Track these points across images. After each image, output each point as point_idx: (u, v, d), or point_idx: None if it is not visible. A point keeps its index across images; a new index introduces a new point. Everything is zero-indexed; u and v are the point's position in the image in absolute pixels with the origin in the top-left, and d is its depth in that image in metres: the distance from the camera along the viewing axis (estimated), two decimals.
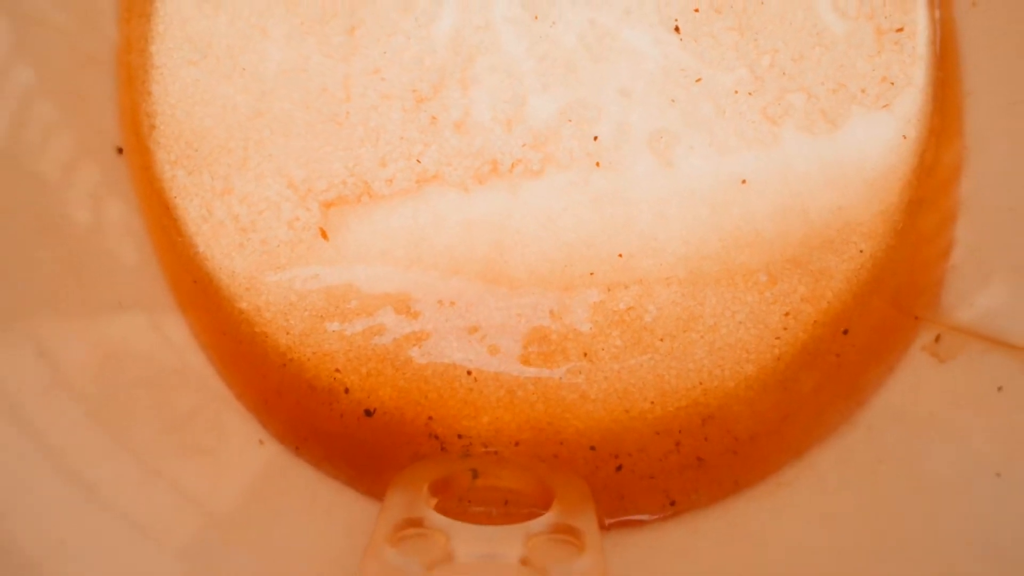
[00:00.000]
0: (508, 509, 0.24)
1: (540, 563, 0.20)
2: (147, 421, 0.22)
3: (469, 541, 0.20)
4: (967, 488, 0.20)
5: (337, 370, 0.27)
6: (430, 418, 0.27)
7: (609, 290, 0.27)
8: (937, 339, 0.24)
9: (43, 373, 0.20)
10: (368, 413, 0.27)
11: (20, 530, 0.17)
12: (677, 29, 0.28)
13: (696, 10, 0.28)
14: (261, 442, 0.25)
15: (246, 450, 0.24)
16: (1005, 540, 0.19)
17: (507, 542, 0.20)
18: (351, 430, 0.27)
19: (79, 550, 0.17)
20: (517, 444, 0.26)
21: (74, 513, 0.18)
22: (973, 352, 0.23)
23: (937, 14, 0.28)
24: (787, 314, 0.27)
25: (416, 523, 0.21)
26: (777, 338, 0.27)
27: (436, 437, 0.27)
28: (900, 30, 0.28)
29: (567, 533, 0.21)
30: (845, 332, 0.27)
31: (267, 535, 0.21)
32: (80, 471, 0.19)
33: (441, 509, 0.22)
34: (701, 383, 0.27)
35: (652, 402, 0.27)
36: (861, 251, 0.28)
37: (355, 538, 0.22)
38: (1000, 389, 0.21)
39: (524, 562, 0.20)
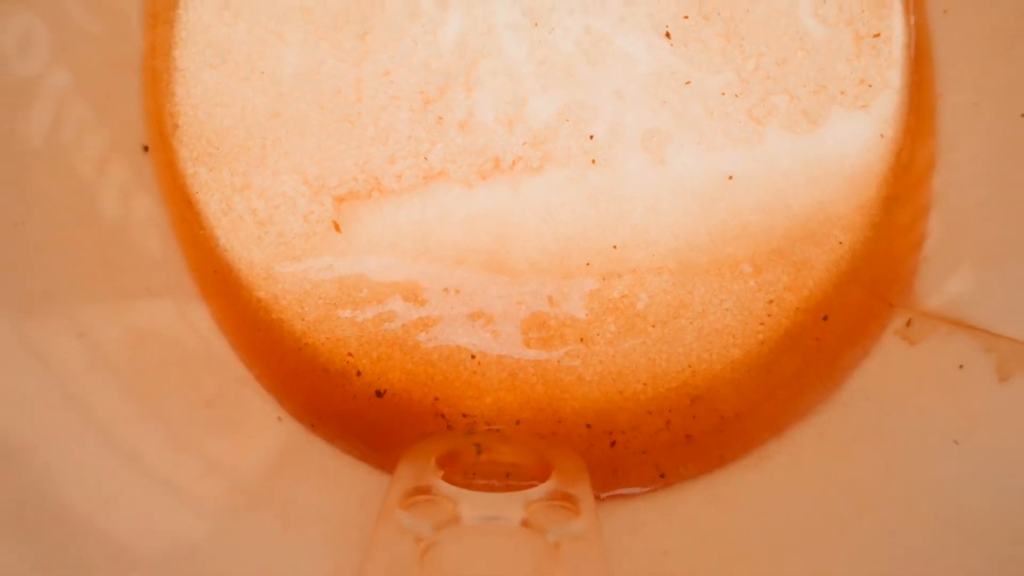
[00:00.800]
0: (509, 481, 0.26)
1: (539, 525, 0.22)
2: (177, 397, 0.24)
3: (474, 506, 0.22)
4: (930, 456, 0.22)
5: (349, 354, 0.29)
6: (436, 399, 0.29)
7: (604, 279, 0.29)
8: (908, 323, 0.26)
9: (84, 352, 0.22)
10: (379, 394, 0.29)
11: (71, 490, 0.19)
12: (668, 35, 0.30)
13: (686, 17, 0.30)
14: (279, 419, 0.27)
15: (266, 426, 0.26)
16: (962, 502, 0.21)
17: (509, 507, 0.22)
18: (363, 410, 0.29)
19: (121, 508, 0.19)
20: (518, 423, 0.28)
21: (116, 476, 0.20)
22: (939, 335, 0.25)
23: (912, 20, 0.30)
24: (771, 302, 0.29)
25: (425, 491, 0.23)
26: (761, 324, 0.29)
27: (442, 416, 0.29)
28: (877, 35, 0.30)
29: (564, 500, 0.23)
30: (825, 318, 0.29)
31: (286, 502, 0.23)
32: (120, 439, 0.21)
33: (447, 480, 0.24)
34: (690, 366, 0.29)
35: (644, 383, 0.29)
36: (840, 243, 0.29)
37: (368, 507, 0.24)
38: (961, 367, 0.23)
39: (525, 524, 0.22)
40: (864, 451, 0.24)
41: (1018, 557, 0.19)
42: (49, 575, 0.16)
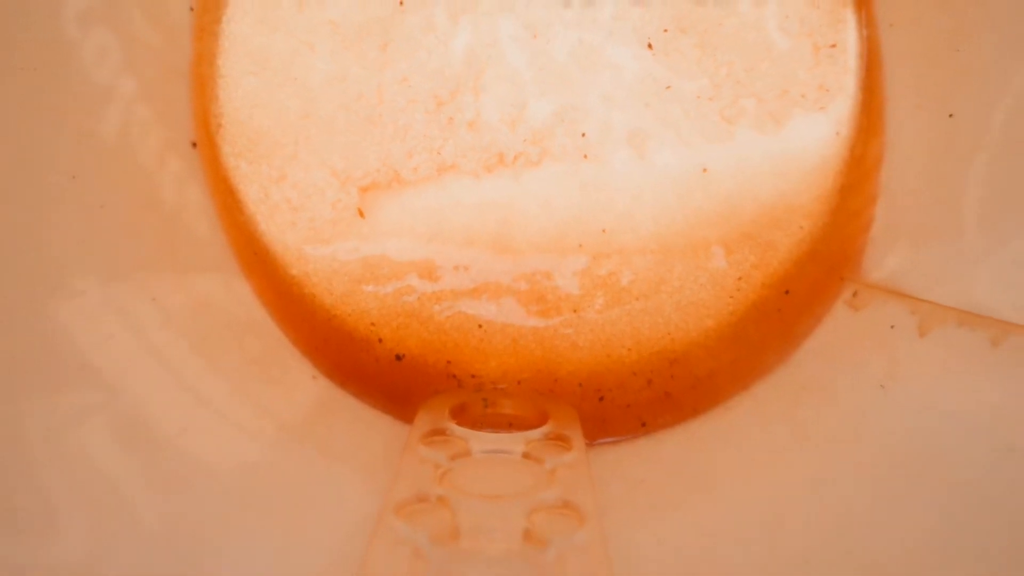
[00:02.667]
0: (512, 429, 0.30)
1: (537, 457, 0.26)
2: (230, 354, 0.29)
3: (482, 443, 0.27)
4: (863, 399, 0.26)
5: (372, 323, 0.34)
6: (449, 362, 0.33)
7: (594, 258, 0.34)
8: (855, 294, 0.31)
9: (157, 314, 0.27)
10: (398, 358, 0.33)
11: (156, 419, 0.24)
12: (650, 46, 0.34)
13: (666, 30, 0.34)
14: (314, 377, 0.32)
15: (303, 382, 0.31)
16: (888, 434, 0.25)
17: (512, 443, 0.27)
18: (385, 371, 0.33)
19: (196, 435, 0.24)
20: (519, 382, 0.33)
21: (189, 411, 0.25)
22: (878, 302, 0.29)
23: (864, 33, 0.35)
24: (740, 278, 0.34)
25: (440, 432, 0.28)
26: (731, 298, 0.34)
27: (454, 377, 0.33)
28: (834, 46, 0.35)
29: (558, 439, 0.28)
30: (787, 292, 0.34)
31: (325, 440, 0.28)
32: (190, 384, 0.26)
33: (460, 425, 0.29)
34: (669, 334, 0.33)
35: (629, 348, 0.33)
36: (801, 227, 0.34)
37: (391, 448, 0.28)
38: (892, 327, 0.27)
39: (525, 456, 0.26)
40: (812, 400, 0.28)
41: (930, 475, 0.23)
42: (146, 478, 0.21)
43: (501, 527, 0.22)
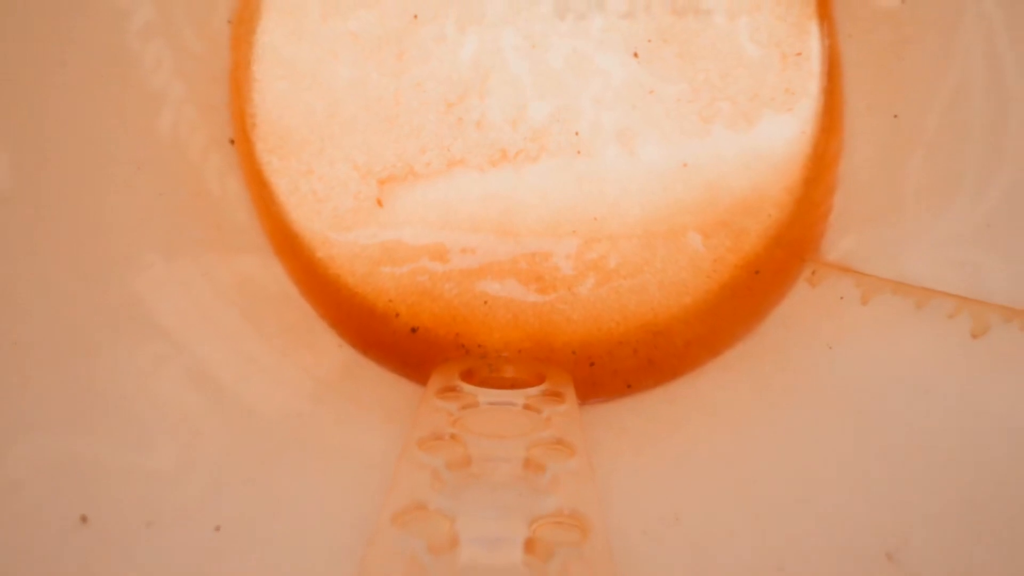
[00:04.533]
0: (513, 388, 0.35)
1: (535, 407, 0.31)
2: (270, 323, 0.33)
3: (488, 396, 0.32)
4: (815, 359, 0.31)
5: (390, 300, 0.39)
6: (457, 333, 0.38)
7: (586, 243, 0.39)
8: (813, 272, 0.36)
9: (209, 287, 0.32)
10: (413, 330, 0.38)
11: (214, 372, 0.28)
12: (636, 55, 0.39)
13: (649, 41, 0.39)
14: (340, 346, 0.37)
15: (331, 349, 0.36)
16: (835, 388, 0.30)
17: (513, 397, 0.32)
18: (401, 342, 0.38)
19: (249, 385, 0.29)
20: (520, 351, 0.38)
21: (240, 366, 0.30)
22: (831, 278, 0.34)
23: (826, 43, 0.40)
24: (716, 260, 0.39)
25: (452, 389, 0.33)
26: (708, 278, 0.39)
27: (462, 346, 0.38)
28: (799, 54, 0.40)
29: (554, 395, 0.33)
30: (756, 272, 0.38)
31: (354, 396, 0.33)
32: (239, 345, 0.31)
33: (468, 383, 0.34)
34: (652, 309, 0.38)
35: (617, 322, 0.38)
36: (770, 215, 0.39)
37: (409, 404, 0.33)
38: (841, 298, 0.32)
39: (525, 407, 0.31)
40: (772, 362, 0.33)
41: (868, 416, 0.28)
42: (212, 414, 0.26)
43: (505, 457, 0.27)
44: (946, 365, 0.25)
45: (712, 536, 0.24)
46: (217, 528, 0.21)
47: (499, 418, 0.30)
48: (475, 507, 0.23)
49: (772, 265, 0.38)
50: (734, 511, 0.24)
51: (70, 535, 0.19)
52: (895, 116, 0.35)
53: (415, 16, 0.39)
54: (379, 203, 0.39)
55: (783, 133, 0.39)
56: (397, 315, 0.38)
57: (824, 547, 0.21)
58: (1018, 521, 0.19)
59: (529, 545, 0.22)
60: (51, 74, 0.28)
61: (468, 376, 0.36)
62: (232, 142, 0.39)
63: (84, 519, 0.19)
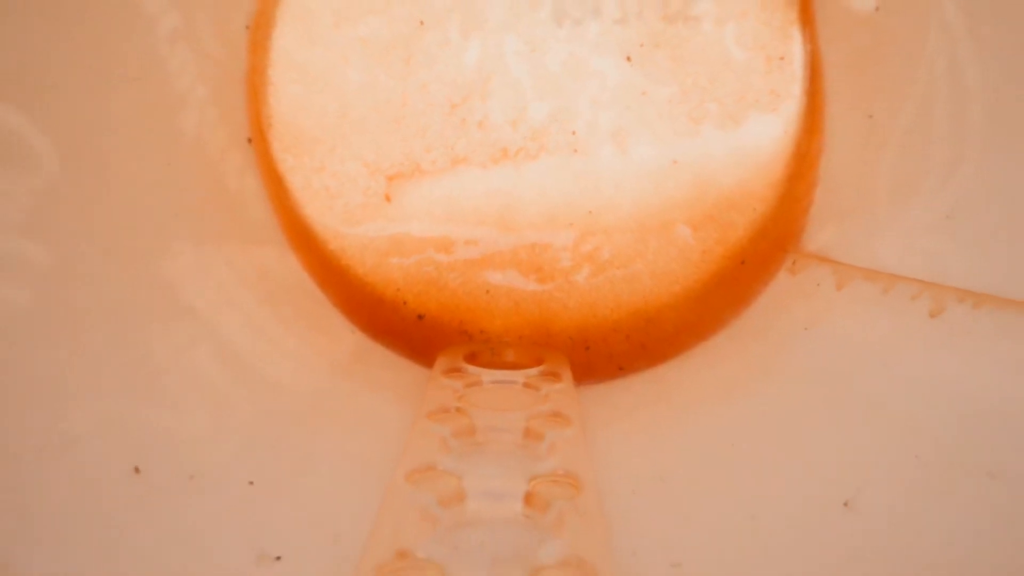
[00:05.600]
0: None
1: (535, 386, 0.34)
2: (288, 309, 0.36)
3: (491, 376, 0.35)
4: (792, 340, 0.34)
5: (398, 289, 0.41)
6: (462, 321, 0.41)
7: (582, 235, 0.42)
8: (794, 262, 0.39)
9: (232, 275, 0.35)
10: (420, 317, 0.41)
11: (239, 351, 0.31)
12: (629, 59, 0.42)
13: (642, 45, 0.42)
14: (352, 331, 0.39)
15: (343, 334, 0.39)
16: (810, 363, 0.33)
17: (514, 377, 0.35)
18: (409, 328, 0.41)
19: (271, 365, 0.32)
20: (520, 337, 0.41)
21: (263, 347, 0.33)
22: (810, 267, 0.37)
23: (808, 47, 0.43)
24: (704, 252, 0.42)
25: (457, 369, 0.36)
26: (696, 268, 0.41)
27: (466, 332, 0.41)
28: (783, 58, 0.43)
29: (551, 375, 0.36)
30: (742, 263, 0.41)
31: (367, 377, 0.35)
32: (261, 328, 0.33)
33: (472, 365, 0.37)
34: (644, 298, 0.41)
35: (611, 309, 0.41)
36: (755, 210, 0.42)
37: (417, 385, 0.36)
38: (818, 284, 0.35)
39: (525, 385, 0.34)
40: (756, 345, 0.36)
41: (840, 391, 0.31)
42: (240, 387, 0.29)
43: (507, 427, 0.30)
44: (907, 341, 0.28)
45: (693, 493, 0.26)
46: (251, 482, 0.24)
47: (501, 394, 0.33)
48: (480, 467, 0.26)
49: (756, 256, 0.41)
50: (713, 472, 0.27)
51: (126, 483, 0.22)
52: (870, 116, 0.38)
53: (421, 22, 0.42)
54: (387, 198, 0.42)
55: (768, 133, 0.42)
56: (405, 303, 0.41)
57: (791, 498, 0.24)
58: (961, 473, 0.22)
59: (528, 498, 0.25)
60: (91, 78, 0.31)
61: (472, 359, 0.38)
62: (250, 141, 0.42)
63: (137, 470, 0.22)
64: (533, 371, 0.36)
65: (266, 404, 0.29)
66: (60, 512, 0.20)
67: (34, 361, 0.23)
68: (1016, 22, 0.30)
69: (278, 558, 0.21)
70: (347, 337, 0.39)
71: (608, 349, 0.41)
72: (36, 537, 0.19)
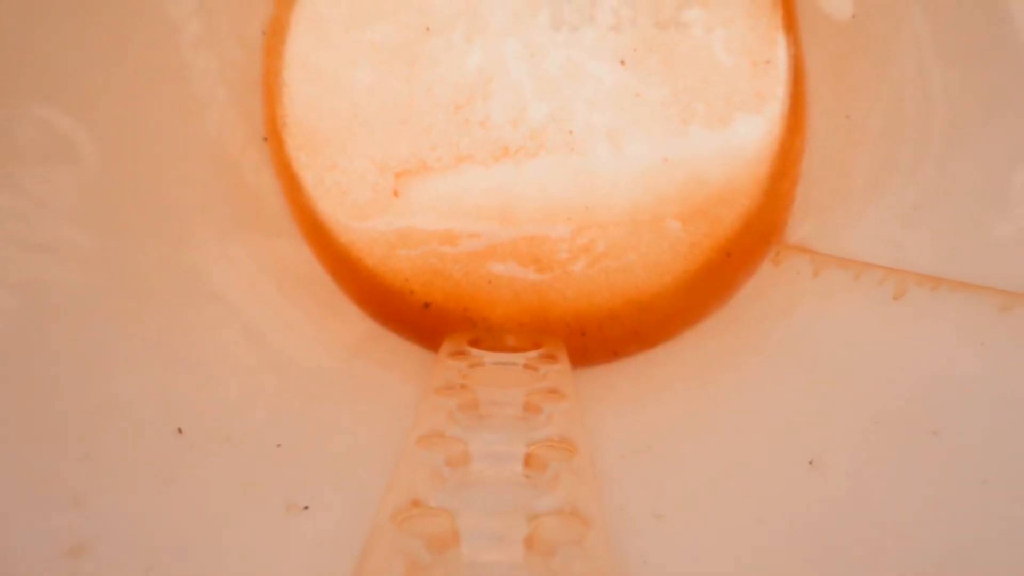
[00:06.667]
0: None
1: (533, 367, 0.37)
2: (303, 297, 0.39)
3: (493, 358, 0.38)
4: (772, 323, 0.37)
5: (406, 279, 0.45)
6: (465, 308, 0.44)
7: (579, 229, 0.45)
8: (777, 253, 0.42)
9: (252, 264, 0.38)
10: (426, 305, 0.44)
11: (259, 330, 0.34)
12: (623, 63, 0.45)
13: (635, 50, 0.45)
14: (362, 318, 0.43)
15: (354, 320, 0.42)
16: (787, 343, 0.36)
17: (514, 358, 0.38)
18: (416, 316, 0.44)
19: (291, 344, 0.35)
20: (520, 324, 0.44)
21: (283, 329, 0.36)
22: (791, 257, 0.40)
23: (791, 51, 0.46)
24: (693, 244, 0.45)
25: (462, 352, 0.39)
26: (685, 260, 0.45)
27: (470, 319, 0.44)
28: (767, 62, 0.46)
29: (549, 357, 0.39)
30: (728, 255, 0.44)
31: (379, 359, 0.39)
32: (280, 313, 0.37)
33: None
34: (637, 287, 0.44)
35: (606, 298, 0.44)
36: (741, 205, 0.45)
37: (425, 367, 0.39)
38: (797, 273, 0.38)
39: (525, 366, 0.37)
40: (740, 330, 0.39)
41: (814, 366, 0.34)
42: (265, 364, 0.32)
43: (507, 402, 0.33)
44: (872, 320, 0.31)
45: (676, 457, 0.29)
46: (278, 445, 0.27)
47: (502, 374, 0.36)
48: (482, 434, 0.29)
49: (742, 248, 0.44)
50: (694, 440, 0.30)
51: (171, 442, 0.25)
52: (847, 117, 0.41)
53: (427, 28, 0.45)
54: (395, 194, 0.45)
55: (753, 133, 0.45)
56: (412, 292, 0.44)
57: (762, 458, 0.27)
58: (911, 432, 0.25)
59: (528, 460, 0.28)
60: (126, 82, 0.34)
61: (474, 344, 0.41)
62: (265, 140, 0.45)
63: (180, 431, 0.25)
64: (532, 354, 0.39)
65: (289, 379, 0.32)
66: (115, 463, 0.23)
67: (89, 335, 0.26)
68: (976, 31, 0.33)
69: (306, 507, 0.24)
70: (358, 323, 0.42)
71: (603, 335, 0.44)
72: (98, 483, 0.22)
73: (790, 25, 0.46)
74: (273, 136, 0.46)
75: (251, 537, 0.23)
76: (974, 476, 0.23)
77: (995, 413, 0.23)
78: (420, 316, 0.44)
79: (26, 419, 0.22)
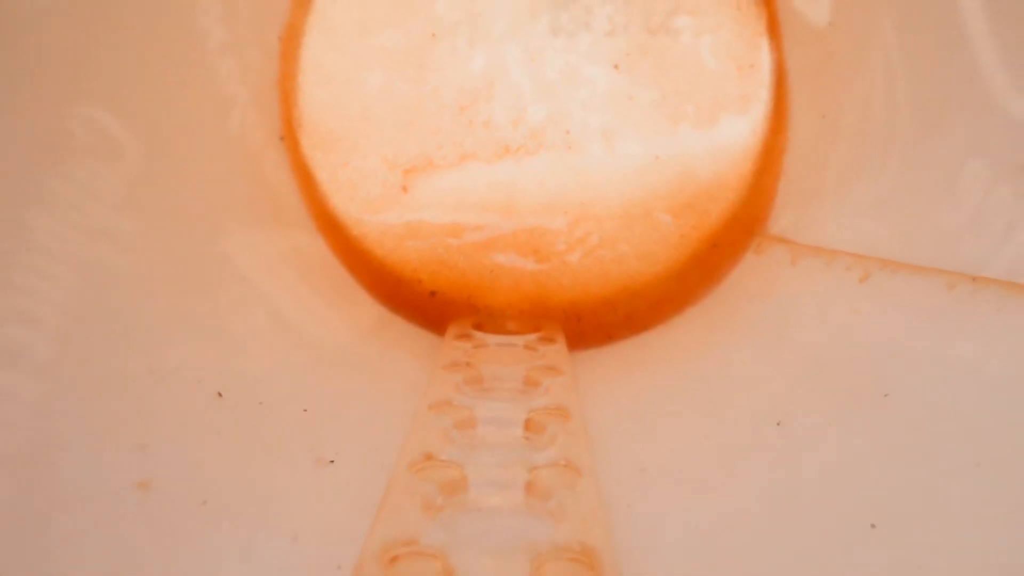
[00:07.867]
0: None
1: (533, 347, 0.41)
2: (320, 284, 0.43)
3: (495, 339, 0.42)
4: (754, 309, 0.41)
5: (414, 269, 0.48)
6: (469, 296, 0.48)
7: (575, 222, 0.48)
8: (759, 244, 0.45)
9: (273, 252, 0.41)
10: (433, 294, 0.48)
11: (280, 311, 0.38)
12: (617, 67, 0.49)
13: (628, 55, 0.49)
14: (373, 305, 0.46)
15: (366, 307, 0.45)
16: (768, 326, 0.40)
17: (515, 340, 0.42)
18: (424, 303, 0.48)
19: (310, 324, 0.38)
20: (521, 311, 0.48)
21: (302, 312, 0.39)
22: (772, 246, 0.44)
23: (774, 56, 0.49)
24: (682, 236, 0.48)
25: (467, 335, 0.42)
26: (675, 250, 0.48)
27: (473, 306, 0.48)
28: (752, 66, 0.49)
29: (547, 339, 0.42)
30: (715, 246, 0.48)
31: (388, 341, 0.42)
32: (299, 298, 0.40)
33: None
34: (629, 276, 0.48)
35: (601, 286, 0.48)
36: (728, 199, 0.49)
37: (432, 349, 0.43)
38: (777, 262, 0.42)
39: (525, 347, 0.41)
40: (725, 314, 0.43)
41: (789, 346, 0.38)
42: (287, 341, 0.36)
43: (509, 377, 0.36)
44: (839, 300, 0.35)
45: (663, 425, 0.33)
46: (305, 410, 0.31)
47: (504, 353, 0.40)
48: (487, 403, 0.33)
49: (728, 239, 0.48)
50: (678, 407, 0.34)
51: (212, 403, 0.29)
52: (823, 116, 0.45)
53: (433, 34, 0.49)
54: (404, 190, 0.49)
55: (739, 132, 0.49)
56: (420, 281, 0.48)
57: (736, 422, 0.31)
58: (865, 394, 0.29)
59: (528, 424, 0.31)
60: (162, 84, 0.38)
61: (478, 328, 0.45)
62: (282, 139, 0.49)
63: (220, 395, 0.29)
64: (531, 336, 0.43)
65: (311, 355, 0.36)
66: (169, 418, 0.27)
67: (137, 310, 0.29)
68: (935, 41, 0.37)
69: (332, 461, 0.28)
70: (370, 310, 0.45)
71: (598, 320, 0.47)
72: (158, 433, 0.26)
73: (773, 31, 0.49)
74: (289, 135, 0.49)
75: (287, 482, 0.26)
76: (919, 430, 0.26)
77: (938, 375, 0.27)
78: (427, 303, 0.48)
79: (96, 379, 0.25)
